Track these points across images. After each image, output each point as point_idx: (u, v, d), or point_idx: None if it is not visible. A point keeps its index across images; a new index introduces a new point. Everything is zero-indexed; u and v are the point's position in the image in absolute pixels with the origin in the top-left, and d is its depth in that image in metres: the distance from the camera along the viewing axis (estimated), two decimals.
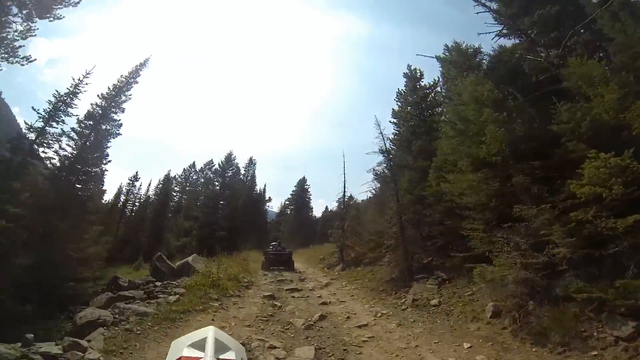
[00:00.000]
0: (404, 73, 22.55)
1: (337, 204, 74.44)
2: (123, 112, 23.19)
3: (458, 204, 13.69)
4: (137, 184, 52.53)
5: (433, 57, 17.90)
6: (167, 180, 52.26)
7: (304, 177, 69.13)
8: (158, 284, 16.07)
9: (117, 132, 22.73)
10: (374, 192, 35.82)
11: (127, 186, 51.98)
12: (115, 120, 22.77)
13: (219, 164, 39.70)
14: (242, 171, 59.90)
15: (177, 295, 11.90)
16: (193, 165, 57.55)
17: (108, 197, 55.05)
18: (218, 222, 37.74)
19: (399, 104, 23.36)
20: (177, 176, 56.39)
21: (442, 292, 13.46)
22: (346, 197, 27.55)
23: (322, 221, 74.76)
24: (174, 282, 15.85)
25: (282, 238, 64.93)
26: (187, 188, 56.46)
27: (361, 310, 13.17)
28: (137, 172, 52.76)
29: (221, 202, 42.49)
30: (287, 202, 72.10)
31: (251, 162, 60.92)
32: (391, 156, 21.26)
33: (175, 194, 55.24)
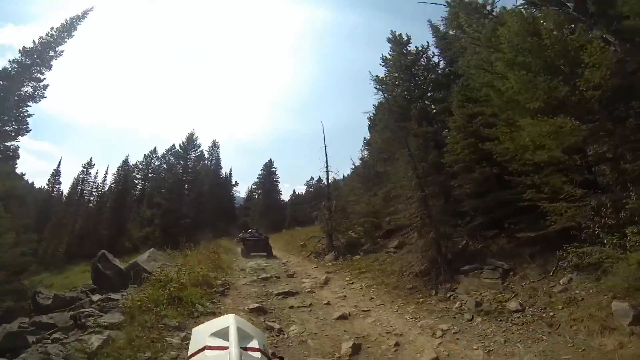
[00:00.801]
0: (387, 38, 20.51)
1: (307, 186, 70.92)
2: (50, 69, 17.33)
3: (518, 166, 9.78)
4: (93, 171, 45.97)
5: (442, 5, 15.81)
6: (126, 166, 45.80)
7: (270, 160, 63.60)
8: (95, 297, 10.66)
9: (42, 94, 16.88)
10: (355, 168, 31.80)
11: (81, 174, 45.23)
12: (39, 79, 16.88)
13: (180, 145, 33.80)
14: (206, 155, 54.09)
15: (107, 333, 6.54)
16: (154, 150, 50.73)
17: (64, 188, 48.41)
18: (182, 209, 32.01)
19: (385, 69, 20.89)
20: (138, 163, 49.76)
21: (513, 289, 9.05)
22: (329, 173, 22.42)
23: (291, 204, 70.21)
24: (114, 297, 10.49)
25: (251, 223, 60.50)
26: (150, 175, 49.97)
27: (403, 325, 8.49)
28: (90, 159, 45.86)
29: (186, 187, 36.82)
30: (254, 187, 66.49)
31: (215, 145, 54.98)
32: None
33: (137, 182, 48.75)
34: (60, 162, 52.14)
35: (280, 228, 52.64)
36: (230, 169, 60.10)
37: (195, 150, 34.74)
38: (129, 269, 12.40)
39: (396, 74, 20.57)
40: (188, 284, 10.34)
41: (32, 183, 58.02)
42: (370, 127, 43.57)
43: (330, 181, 22.41)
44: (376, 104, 24.13)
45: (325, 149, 22.28)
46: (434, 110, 18.84)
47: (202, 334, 1.40)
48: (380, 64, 20.98)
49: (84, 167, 45.07)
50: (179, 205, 31.38)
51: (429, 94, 19.33)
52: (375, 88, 20.57)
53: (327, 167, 22.04)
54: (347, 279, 13.83)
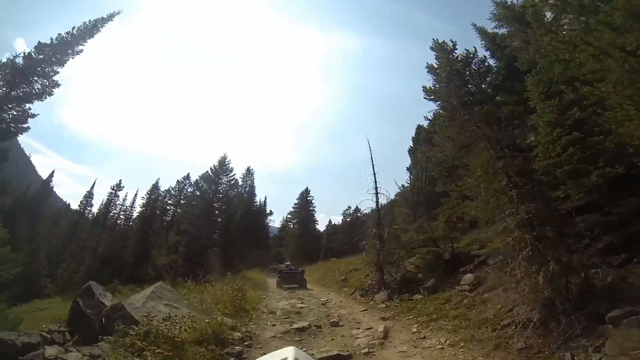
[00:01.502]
0: (430, 47, 18.37)
1: (344, 216, 66.79)
2: (63, 65, 14.86)
3: None
4: (122, 194, 43.82)
5: None
6: (155, 190, 43.41)
7: (306, 189, 60.19)
8: (51, 351, 6.95)
9: (50, 91, 14.30)
10: (402, 191, 27.72)
11: (109, 196, 43.08)
12: (49, 75, 14.35)
13: (210, 169, 30.72)
14: (240, 182, 51.27)
15: None
16: (187, 176, 48.36)
17: (94, 209, 46.54)
18: (210, 236, 28.59)
19: (433, 78, 18.30)
20: (170, 188, 47.37)
21: None
22: (379, 195, 18.42)
23: (327, 235, 66.08)
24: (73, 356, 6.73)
25: (285, 253, 56.75)
26: (182, 201, 47.43)
27: None
28: (120, 181, 43.78)
29: (216, 214, 33.66)
30: (289, 216, 62.96)
31: (249, 172, 52.17)
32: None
33: (168, 208, 46.25)
34: (94, 184, 50.62)
35: (316, 259, 48.71)
36: (265, 198, 57.25)
37: (227, 175, 31.65)
38: (110, 311, 8.71)
39: (446, 81, 17.91)
40: (188, 339, 6.61)
41: (69, 204, 56.38)
42: (411, 151, 39.71)
43: (380, 205, 18.33)
44: (425, 119, 20.79)
45: (374, 169, 18.44)
46: (503, 113, 15.54)
47: None
48: (427, 72, 18.33)
49: (113, 189, 42.92)
50: (207, 233, 28.06)
51: (490, 97, 16.92)
52: (425, 98, 18.59)
53: (376, 189, 18.12)
54: (414, 329, 9.74)
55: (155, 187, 43.63)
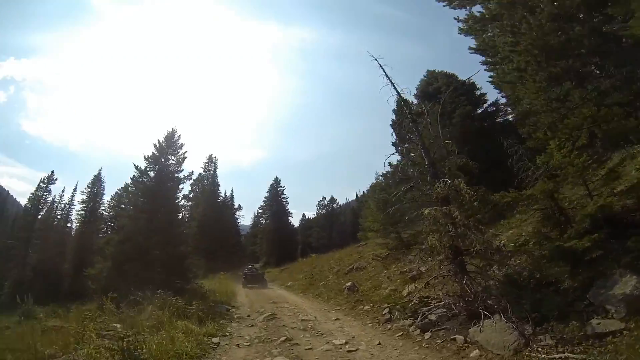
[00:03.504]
0: None
1: (319, 207, 58.01)
2: None
3: None
4: (56, 189, 33.69)
5: None
6: (97, 182, 33.20)
7: (276, 179, 50.86)
8: None
9: None
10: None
11: (37, 191, 32.57)
12: None
13: (154, 145, 20.57)
14: (202, 172, 41.60)
15: None
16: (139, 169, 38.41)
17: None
18: (150, 233, 18.61)
19: None
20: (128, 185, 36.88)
21: None
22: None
23: (302, 230, 57.50)
24: None
25: (260, 252, 47.66)
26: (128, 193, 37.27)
27: None
28: (52, 172, 33.30)
29: (162, 202, 23.24)
30: (260, 211, 53.64)
31: (211, 161, 42.59)
32: None
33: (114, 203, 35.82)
34: (46, 180, 38.98)
35: (294, 257, 40.09)
36: (232, 191, 47.54)
37: (176, 153, 21.61)
38: None
39: None
40: None
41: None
42: (395, 124, 31.95)
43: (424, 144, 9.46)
44: None
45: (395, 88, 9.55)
46: None
47: None
48: None
49: (43, 183, 32.43)
50: (146, 230, 18.36)
51: None
52: None
53: (410, 115, 9.52)
54: None
55: (98, 179, 33.38)
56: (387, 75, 9.27)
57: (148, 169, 20.68)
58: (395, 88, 9.43)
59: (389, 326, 8.15)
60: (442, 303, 7.62)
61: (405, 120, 9.92)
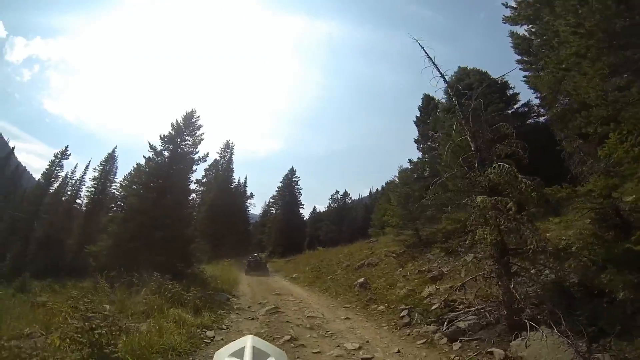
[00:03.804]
0: None
1: (332, 201, 56.91)
2: None
3: None
4: (69, 165, 33.31)
5: None
6: (111, 161, 32.63)
7: (292, 169, 49.81)
8: None
9: None
10: None
11: (50, 165, 32.17)
12: None
13: (172, 125, 19.81)
14: (217, 157, 40.84)
15: None
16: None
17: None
18: (157, 212, 17.73)
19: None
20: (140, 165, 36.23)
21: None
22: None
23: (311, 223, 56.46)
24: None
25: (267, 242, 46.84)
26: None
27: None
28: (66, 147, 32.89)
29: (172, 183, 22.03)
30: (271, 201, 52.71)
31: (228, 146, 41.77)
32: None
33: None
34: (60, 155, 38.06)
35: (301, 248, 39.13)
36: (246, 178, 46.62)
37: (193, 134, 20.88)
38: None
39: None
40: None
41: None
42: (419, 121, 31.03)
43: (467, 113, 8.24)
44: None
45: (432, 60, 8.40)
46: None
47: (221, 356, 1.23)
48: None
49: (56, 158, 31.99)
50: (152, 208, 17.54)
51: None
52: None
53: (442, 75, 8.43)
54: None
55: (111, 157, 32.77)
56: (429, 57, 8.19)
57: (162, 149, 19.84)
58: (438, 70, 8.28)
59: (408, 331, 7.05)
60: (474, 309, 6.50)
61: (452, 103, 8.79)
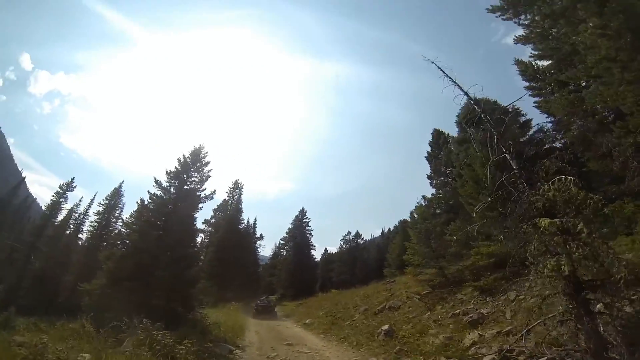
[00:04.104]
0: None
1: (344, 242, 54.80)
2: None
3: None
4: (75, 197, 32.63)
5: None
6: (117, 196, 31.69)
7: (302, 210, 48.33)
8: None
9: None
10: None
11: (55, 197, 31.27)
12: None
13: (178, 160, 18.79)
14: (226, 197, 39.80)
15: None
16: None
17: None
18: (159, 251, 16.18)
19: None
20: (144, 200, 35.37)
21: None
22: None
23: (323, 264, 54.22)
24: None
25: (277, 284, 44.69)
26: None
27: None
28: (72, 179, 32.09)
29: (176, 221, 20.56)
30: (282, 242, 50.92)
31: (236, 186, 40.73)
32: None
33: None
34: (65, 187, 36.61)
35: (312, 291, 37.15)
36: (255, 219, 45.19)
37: (200, 171, 19.78)
38: None
39: None
40: None
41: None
42: (430, 157, 30.01)
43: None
44: None
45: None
46: None
47: None
48: None
49: (62, 189, 31.07)
50: (154, 247, 16.10)
51: None
52: None
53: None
54: None
55: (118, 192, 31.87)
56: (448, 76, 7.46)
57: (169, 185, 18.74)
58: (460, 88, 7.43)
59: None
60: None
61: (482, 120, 7.75)
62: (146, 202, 19.44)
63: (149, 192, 19.06)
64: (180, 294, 13.77)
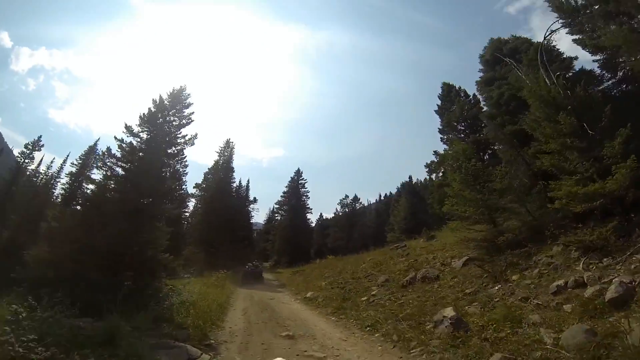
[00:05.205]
0: None
1: (341, 206, 51.02)
2: None
3: None
4: (42, 158, 28.32)
5: None
6: (92, 154, 27.18)
7: (298, 170, 44.08)
8: None
9: None
10: None
11: (21, 157, 26.73)
12: None
13: (153, 101, 14.09)
14: (217, 156, 35.35)
15: None
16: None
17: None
18: (115, 206, 11.95)
19: None
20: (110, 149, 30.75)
21: None
22: None
23: (318, 229, 50.99)
24: None
25: (272, 250, 42.12)
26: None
27: None
28: (39, 137, 27.39)
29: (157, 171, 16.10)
30: (276, 206, 47.06)
31: (228, 146, 36.15)
32: None
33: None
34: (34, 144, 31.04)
35: (308, 257, 33.72)
36: (248, 181, 40.79)
37: (179, 113, 14.94)
38: None
39: None
40: None
41: None
42: (440, 110, 25.89)
43: None
44: None
45: None
46: None
47: None
48: None
49: (27, 149, 26.32)
50: (120, 202, 11.85)
51: None
52: None
53: None
54: None
55: (92, 151, 27.26)
56: None
57: (140, 130, 14.01)
58: None
59: None
60: None
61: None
62: (113, 151, 14.88)
63: (115, 137, 14.37)
64: (135, 261, 9.62)
